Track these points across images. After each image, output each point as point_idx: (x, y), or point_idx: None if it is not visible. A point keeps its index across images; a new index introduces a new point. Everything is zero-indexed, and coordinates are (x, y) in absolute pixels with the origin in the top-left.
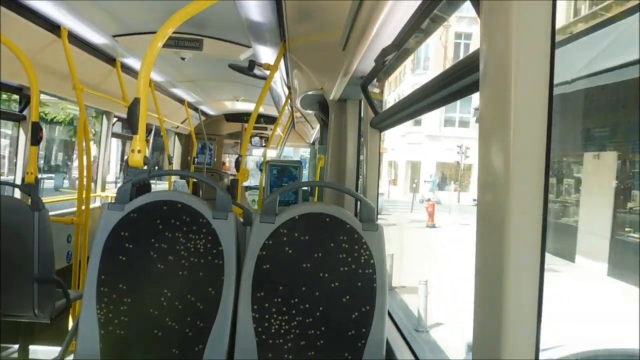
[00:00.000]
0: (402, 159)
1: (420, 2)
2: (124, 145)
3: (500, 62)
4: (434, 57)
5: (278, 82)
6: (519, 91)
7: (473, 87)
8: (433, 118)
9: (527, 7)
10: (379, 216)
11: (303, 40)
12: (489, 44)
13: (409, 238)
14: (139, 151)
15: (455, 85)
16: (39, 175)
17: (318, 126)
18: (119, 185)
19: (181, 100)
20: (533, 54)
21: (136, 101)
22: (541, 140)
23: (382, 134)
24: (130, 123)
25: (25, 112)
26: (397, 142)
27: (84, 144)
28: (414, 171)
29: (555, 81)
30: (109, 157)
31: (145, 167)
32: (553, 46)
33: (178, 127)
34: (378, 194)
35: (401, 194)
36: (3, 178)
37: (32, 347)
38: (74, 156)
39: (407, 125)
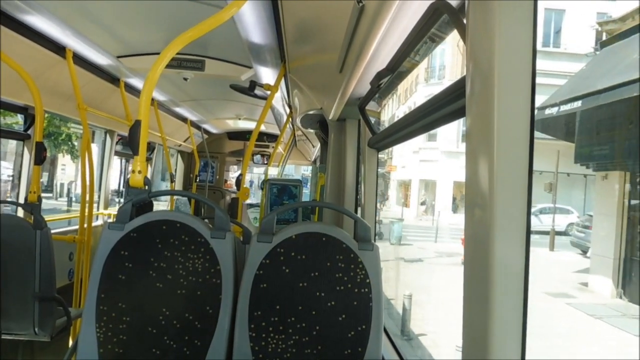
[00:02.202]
0: (414, 178)
1: (412, 27)
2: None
3: (484, 87)
4: (450, 65)
5: (279, 101)
6: (502, 115)
7: (461, 112)
8: (450, 132)
9: (510, 35)
10: (397, 246)
11: (302, 61)
12: (474, 70)
13: (449, 284)
14: (140, 172)
15: (445, 110)
16: None
17: (319, 144)
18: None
19: (184, 119)
20: (516, 79)
21: (137, 123)
22: (523, 160)
23: (390, 150)
24: (131, 144)
25: (29, 132)
26: (409, 159)
27: (86, 162)
28: (429, 191)
29: None
30: (110, 176)
31: (146, 188)
32: (534, 72)
33: (181, 145)
34: (376, 211)
35: (414, 217)
36: None
37: None
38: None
39: (421, 141)
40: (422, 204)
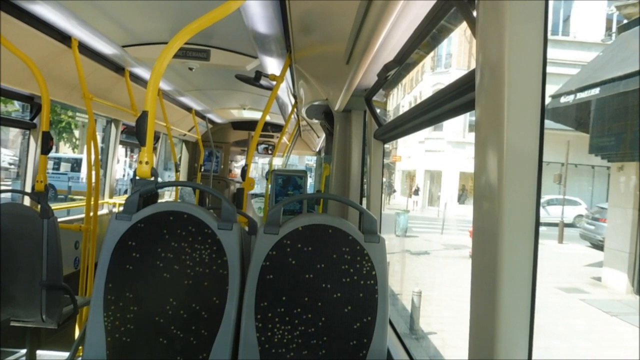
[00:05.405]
0: (420, 169)
1: (421, 19)
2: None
3: (494, 81)
4: (457, 54)
5: (284, 91)
6: (512, 108)
7: (469, 105)
8: (456, 122)
9: (520, 28)
10: (403, 239)
11: (308, 52)
12: (484, 63)
13: (456, 278)
14: (147, 162)
15: (453, 103)
16: None
17: (324, 135)
18: None
19: (189, 109)
20: (526, 73)
21: (144, 114)
22: (533, 154)
23: (395, 140)
24: (138, 135)
25: (35, 121)
26: (414, 149)
27: (92, 151)
28: (434, 182)
29: None
30: (115, 165)
31: (153, 178)
32: (544, 65)
33: (185, 134)
34: (382, 204)
35: (419, 208)
36: None
37: (39, 352)
38: None
39: (426, 131)
40: (416, 193)
